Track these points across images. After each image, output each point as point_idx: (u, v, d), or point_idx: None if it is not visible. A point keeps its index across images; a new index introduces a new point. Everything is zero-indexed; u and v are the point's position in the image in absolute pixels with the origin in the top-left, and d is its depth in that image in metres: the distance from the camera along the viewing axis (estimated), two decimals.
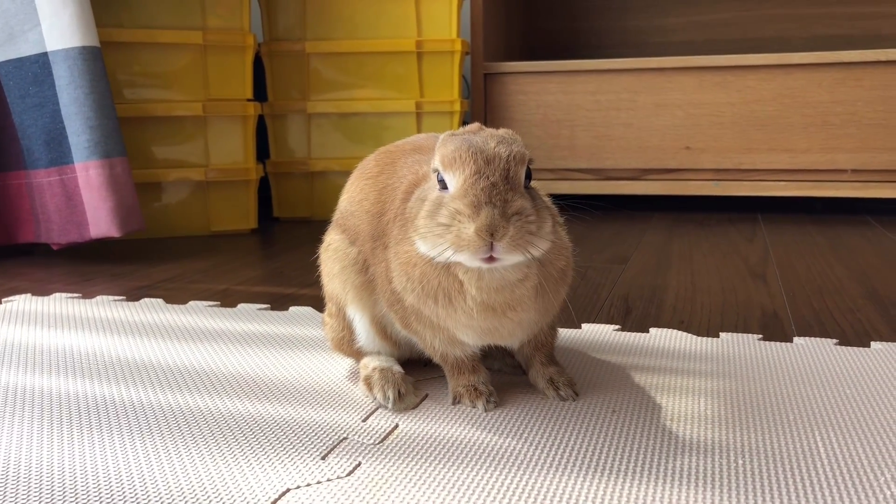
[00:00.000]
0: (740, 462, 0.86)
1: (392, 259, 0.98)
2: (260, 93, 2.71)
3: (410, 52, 2.70)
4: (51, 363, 1.24)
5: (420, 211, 0.91)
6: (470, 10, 2.84)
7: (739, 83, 2.70)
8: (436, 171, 0.91)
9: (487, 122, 2.89)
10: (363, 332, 1.11)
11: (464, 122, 2.80)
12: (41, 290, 1.76)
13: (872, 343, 1.28)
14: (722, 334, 1.34)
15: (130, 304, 1.61)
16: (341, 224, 1.13)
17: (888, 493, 0.79)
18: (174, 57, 2.45)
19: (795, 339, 1.31)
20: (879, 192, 2.61)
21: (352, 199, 1.12)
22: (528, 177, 0.91)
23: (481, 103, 2.89)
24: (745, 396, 1.05)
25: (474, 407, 1.02)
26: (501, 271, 0.90)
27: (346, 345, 1.14)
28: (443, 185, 0.90)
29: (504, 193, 0.86)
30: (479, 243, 0.84)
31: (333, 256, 1.12)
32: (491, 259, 0.85)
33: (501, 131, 0.94)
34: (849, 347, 1.26)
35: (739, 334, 1.34)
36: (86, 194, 2.00)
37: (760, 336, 1.33)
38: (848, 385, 1.09)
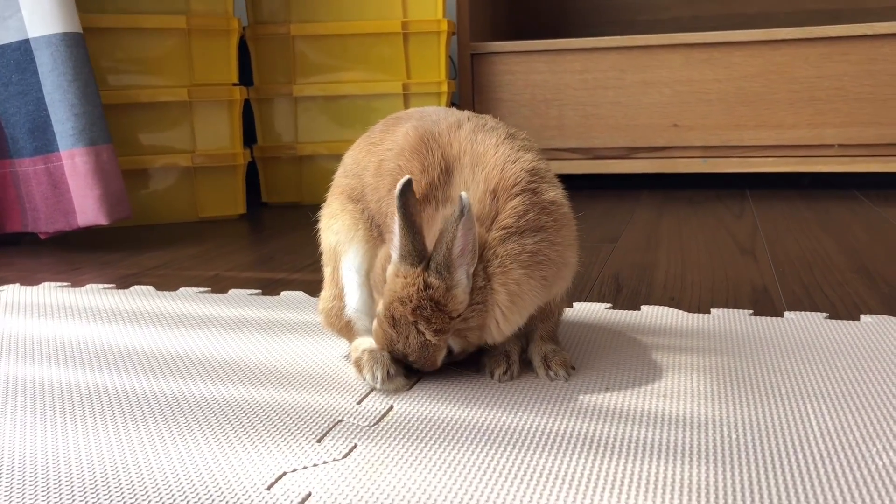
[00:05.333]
0: (733, 436, 0.86)
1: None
2: (245, 77, 2.68)
3: (396, 34, 2.68)
4: (41, 353, 1.23)
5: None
6: None
7: (726, 60, 2.69)
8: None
9: (475, 102, 2.88)
10: (355, 290, 1.09)
11: (452, 103, 2.79)
12: (29, 280, 1.75)
13: (862, 316, 1.29)
14: (713, 310, 1.35)
15: (120, 291, 1.61)
16: (342, 185, 1.16)
17: (879, 463, 0.79)
18: (158, 42, 2.42)
19: (786, 313, 1.32)
20: (867, 166, 2.62)
21: (356, 157, 1.16)
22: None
23: (468, 84, 2.88)
24: (737, 371, 1.06)
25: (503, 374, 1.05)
26: None
27: (336, 317, 1.12)
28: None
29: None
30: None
31: (334, 203, 1.14)
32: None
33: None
34: (839, 321, 1.27)
35: (730, 310, 1.34)
36: (72, 182, 1.99)
37: (751, 311, 1.34)
38: (838, 358, 1.09)
